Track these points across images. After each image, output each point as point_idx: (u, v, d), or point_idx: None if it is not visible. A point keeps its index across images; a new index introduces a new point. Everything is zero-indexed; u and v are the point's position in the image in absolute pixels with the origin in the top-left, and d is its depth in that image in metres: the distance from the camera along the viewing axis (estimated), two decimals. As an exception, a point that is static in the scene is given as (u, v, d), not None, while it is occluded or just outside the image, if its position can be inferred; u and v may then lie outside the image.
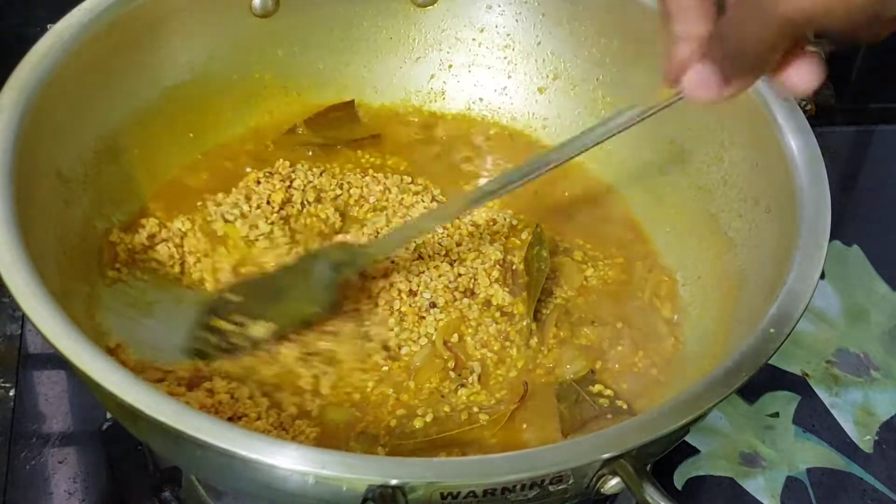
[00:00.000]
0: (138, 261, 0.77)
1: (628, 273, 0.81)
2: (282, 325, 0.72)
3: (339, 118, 0.88)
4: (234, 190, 0.81)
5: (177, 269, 0.77)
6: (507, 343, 0.75)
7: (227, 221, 0.79)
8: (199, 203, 0.81)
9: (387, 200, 0.82)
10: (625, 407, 0.73)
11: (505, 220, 0.82)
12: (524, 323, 0.76)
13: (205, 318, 0.73)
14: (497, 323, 0.76)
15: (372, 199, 0.82)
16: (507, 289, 0.77)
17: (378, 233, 0.79)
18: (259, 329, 0.72)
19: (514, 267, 0.79)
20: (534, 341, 0.75)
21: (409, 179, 0.84)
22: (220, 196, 0.81)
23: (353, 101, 0.89)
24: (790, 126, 0.74)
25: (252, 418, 0.69)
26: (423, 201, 0.82)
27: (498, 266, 0.78)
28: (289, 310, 0.73)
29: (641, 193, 0.85)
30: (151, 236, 0.78)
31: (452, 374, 0.73)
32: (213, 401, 0.69)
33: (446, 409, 0.71)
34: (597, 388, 0.74)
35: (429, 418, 0.71)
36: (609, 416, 0.72)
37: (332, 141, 0.86)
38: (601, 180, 0.86)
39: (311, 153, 0.86)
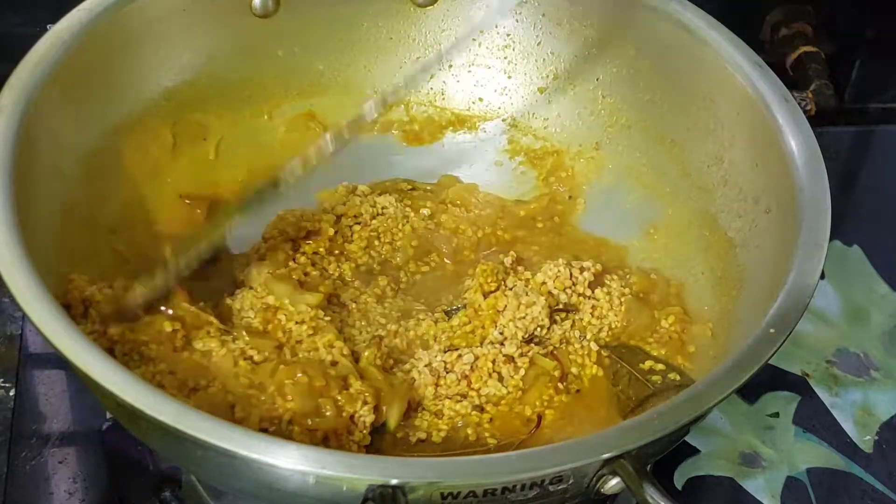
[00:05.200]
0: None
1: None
2: None
3: None
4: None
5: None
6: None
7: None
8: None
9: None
10: (678, 380, 0.73)
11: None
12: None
13: None
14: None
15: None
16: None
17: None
18: None
19: None
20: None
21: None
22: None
23: None
24: (790, 126, 0.74)
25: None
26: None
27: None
28: None
29: (641, 193, 0.85)
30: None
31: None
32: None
33: (468, 431, 0.71)
34: (647, 364, 0.74)
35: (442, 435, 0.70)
36: (666, 391, 0.73)
37: None
38: (600, 179, 0.86)
39: None
